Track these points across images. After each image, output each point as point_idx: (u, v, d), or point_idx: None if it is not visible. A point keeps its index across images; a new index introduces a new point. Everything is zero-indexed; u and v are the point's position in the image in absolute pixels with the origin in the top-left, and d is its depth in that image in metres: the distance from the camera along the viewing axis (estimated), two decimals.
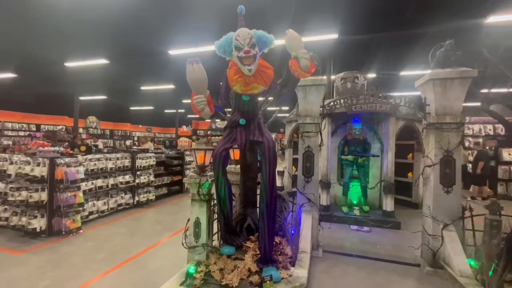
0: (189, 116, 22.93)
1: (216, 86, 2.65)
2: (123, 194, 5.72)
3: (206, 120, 22.84)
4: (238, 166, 3.08)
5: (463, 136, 8.90)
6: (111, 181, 5.42)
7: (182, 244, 2.64)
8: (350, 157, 5.18)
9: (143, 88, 12.33)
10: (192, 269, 2.35)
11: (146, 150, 6.89)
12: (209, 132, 20.97)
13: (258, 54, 2.28)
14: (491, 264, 2.46)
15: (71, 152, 5.21)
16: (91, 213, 4.91)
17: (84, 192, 4.66)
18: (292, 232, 3.01)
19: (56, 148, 4.73)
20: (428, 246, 3.24)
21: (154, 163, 6.54)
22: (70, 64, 8.45)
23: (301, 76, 2.35)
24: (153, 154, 6.67)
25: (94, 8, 5.34)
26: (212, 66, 2.48)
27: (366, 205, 5.24)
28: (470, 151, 9.16)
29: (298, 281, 2.27)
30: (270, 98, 4.10)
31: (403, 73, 8.93)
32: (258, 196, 2.69)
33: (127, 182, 5.75)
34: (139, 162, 6.09)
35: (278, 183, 6.66)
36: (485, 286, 2.47)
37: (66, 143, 9.01)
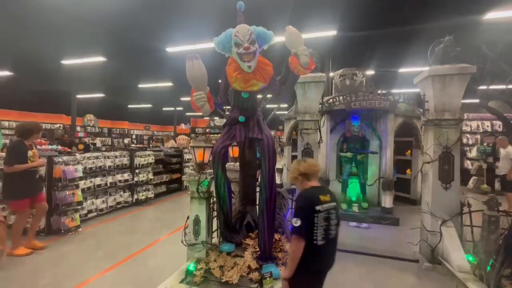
0: (187, 114, 22.85)
1: (215, 84, 2.63)
2: (122, 192, 5.70)
3: (205, 118, 22.81)
4: (238, 163, 3.07)
5: (462, 132, 8.92)
6: (109, 179, 5.40)
7: (182, 242, 2.64)
8: (349, 154, 5.19)
9: (140, 86, 12.25)
10: (192, 267, 2.35)
11: (144, 148, 6.87)
12: (207, 130, 20.94)
13: (258, 50, 2.25)
14: (489, 260, 2.48)
15: (69, 150, 5.18)
16: (90, 211, 4.90)
17: (82, 190, 4.64)
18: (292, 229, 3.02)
19: (54, 147, 4.70)
20: (426, 242, 3.27)
21: (153, 161, 6.52)
22: (67, 62, 8.37)
23: (301, 73, 2.34)
24: (151, 152, 6.66)
25: (90, 4, 5.28)
26: (211, 63, 2.46)
27: (365, 202, 5.26)
28: (468, 148, 9.22)
29: None
30: (269, 96, 4.08)
31: (402, 69, 8.92)
32: (257, 193, 2.69)
33: (126, 180, 5.73)
34: (137, 160, 6.06)
35: (277, 180, 6.67)
36: (483, 281, 2.49)
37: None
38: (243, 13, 2.40)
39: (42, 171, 4.09)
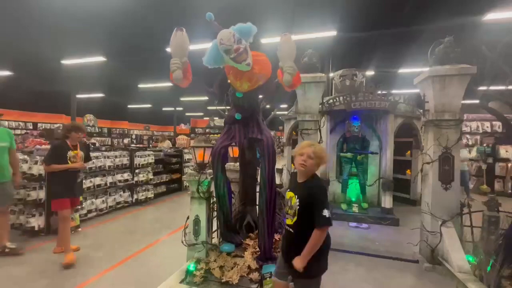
0: (187, 114, 22.86)
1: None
2: (121, 192, 5.70)
3: (204, 118, 22.82)
4: (237, 163, 3.07)
5: (461, 133, 8.92)
6: (109, 179, 5.39)
7: (182, 242, 2.64)
8: (349, 155, 5.19)
9: (140, 86, 12.25)
10: (192, 267, 2.35)
11: (144, 148, 6.87)
12: (207, 130, 20.95)
13: (247, 46, 2.23)
14: (489, 260, 2.48)
15: None
16: (89, 211, 4.89)
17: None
18: None
19: None
20: (426, 242, 3.27)
21: (153, 161, 6.52)
22: (67, 62, 8.36)
23: (286, 88, 2.30)
24: (151, 152, 6.65)
25: (90, 4, 5.28)
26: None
27: (365, 202, 5.26)
28: (468, 148, 9.21)
29: None
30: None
31: (402, 70, 8.93)
32: (257, 194, 2.69)
33: (126, 180, 5.73)
34: (137, 160, 6.06)
35: (277, 180, 6.66)
36: (483, 281, 2.48)
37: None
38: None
39: (42, 170, 4.08)
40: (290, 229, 1.73)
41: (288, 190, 1.80)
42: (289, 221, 1.74)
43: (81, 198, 4.44)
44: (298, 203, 1.67)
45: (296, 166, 1.74)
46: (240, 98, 2.46)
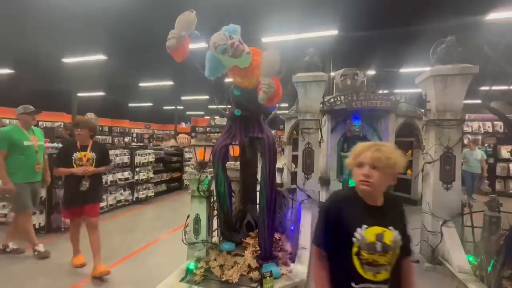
0: (188, 112, 22.87)
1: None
2: (122, 191, 5.71)
3: (205, 117, 22.82)
4: (238, 162, 3.07)
5: (463, 133, 8.89)
6: (110, 177, 5.40)
7: (182, 241, 2.64)
8: (349, 154, 5.18)
9: (141, 84, 12.26)
10: (192, 265, 2.34)
11: (145, 147, 6.88)
12: (208, 129, 20.95)
13: (240, 39, 2.16)
14: (490, 260, 2.47)
15: None
16: None
17: None
18: (292, 228, 3.02)
19: (55, 145, 4.70)
20: (427, 242, 3.26)
21: (153, 159, 6.52)
22: (67, 60, 8.37)
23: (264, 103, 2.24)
24: (152, 151, 6.66)
25: (91, 3, 5.27)
26: None
27: None
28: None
29: (298, 277, 2.26)
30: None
31: (404, 70, 8.90)
32: (257, 193, 2.69)
33: (126, 179, 5.73)
34: (138, 159, 6.06)
35: (278, 179, 6.64)
36: (483, 282, 2.48)
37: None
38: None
39: None
40: (382, 285, 1.09)
41: (366, 226, 1.08)
42: (381, 277, 1.08)
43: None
44: (400, 238, 1.09)
45: (356, 184, 1.17)
46: (239, 97, 2.45)
